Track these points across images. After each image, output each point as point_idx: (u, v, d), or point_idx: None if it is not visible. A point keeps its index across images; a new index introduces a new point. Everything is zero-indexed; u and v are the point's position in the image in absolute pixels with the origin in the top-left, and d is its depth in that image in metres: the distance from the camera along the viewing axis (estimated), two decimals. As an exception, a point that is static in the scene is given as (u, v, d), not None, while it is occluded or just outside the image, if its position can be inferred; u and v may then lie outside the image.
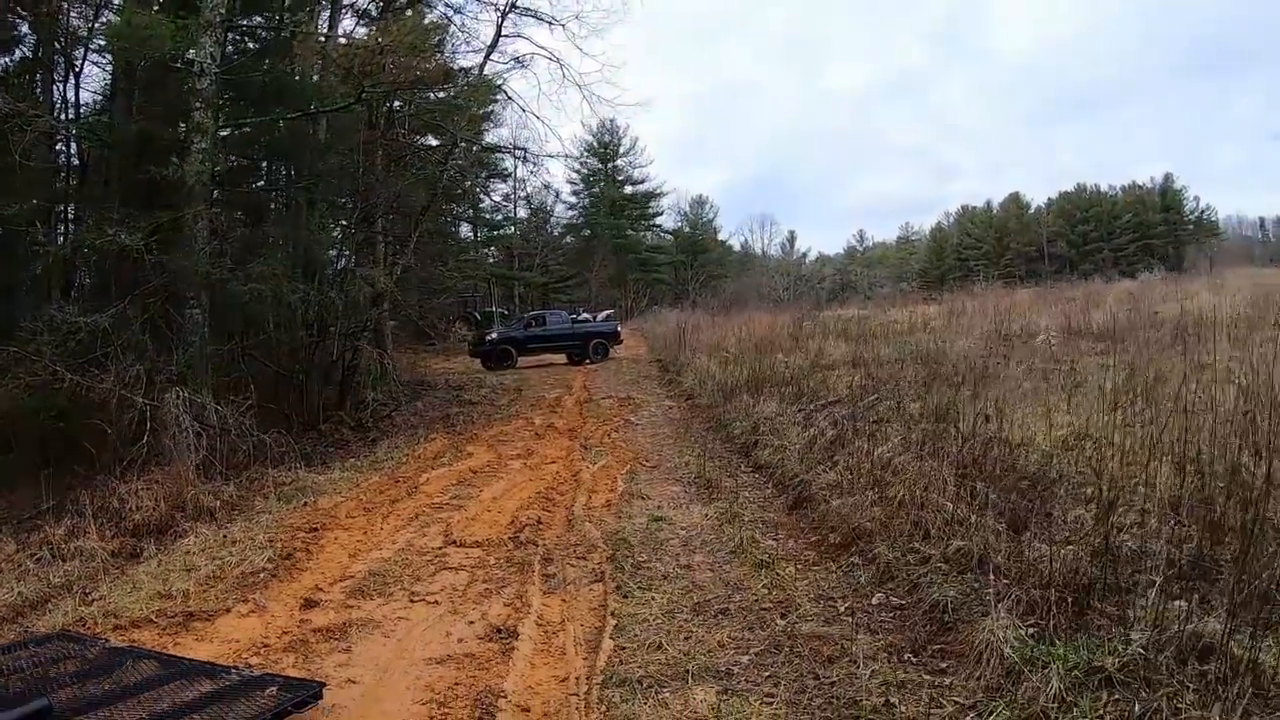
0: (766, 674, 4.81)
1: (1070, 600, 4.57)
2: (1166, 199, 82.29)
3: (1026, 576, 4.96)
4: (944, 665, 4.63)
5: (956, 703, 4.18)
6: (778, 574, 6.58)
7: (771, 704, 4.41)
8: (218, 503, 11.10)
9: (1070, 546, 5.09)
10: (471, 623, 6.22)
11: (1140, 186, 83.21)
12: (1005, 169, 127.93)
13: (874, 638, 5.11)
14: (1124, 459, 6.09)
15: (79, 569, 8.99)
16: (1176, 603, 4.21)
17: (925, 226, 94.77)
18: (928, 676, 4.51)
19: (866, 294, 63.19)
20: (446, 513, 9.94)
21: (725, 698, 4.50)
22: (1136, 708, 3.59)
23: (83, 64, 20.53)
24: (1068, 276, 59.39)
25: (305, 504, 11.01)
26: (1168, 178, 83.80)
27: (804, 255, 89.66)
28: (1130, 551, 4.96)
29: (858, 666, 4.68)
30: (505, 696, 4.89)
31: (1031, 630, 4.43)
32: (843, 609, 5.69)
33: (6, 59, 21.00)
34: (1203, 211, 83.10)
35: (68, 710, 4.22)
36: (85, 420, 14.09)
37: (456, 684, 5.14)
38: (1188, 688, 3.63)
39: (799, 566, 6.78)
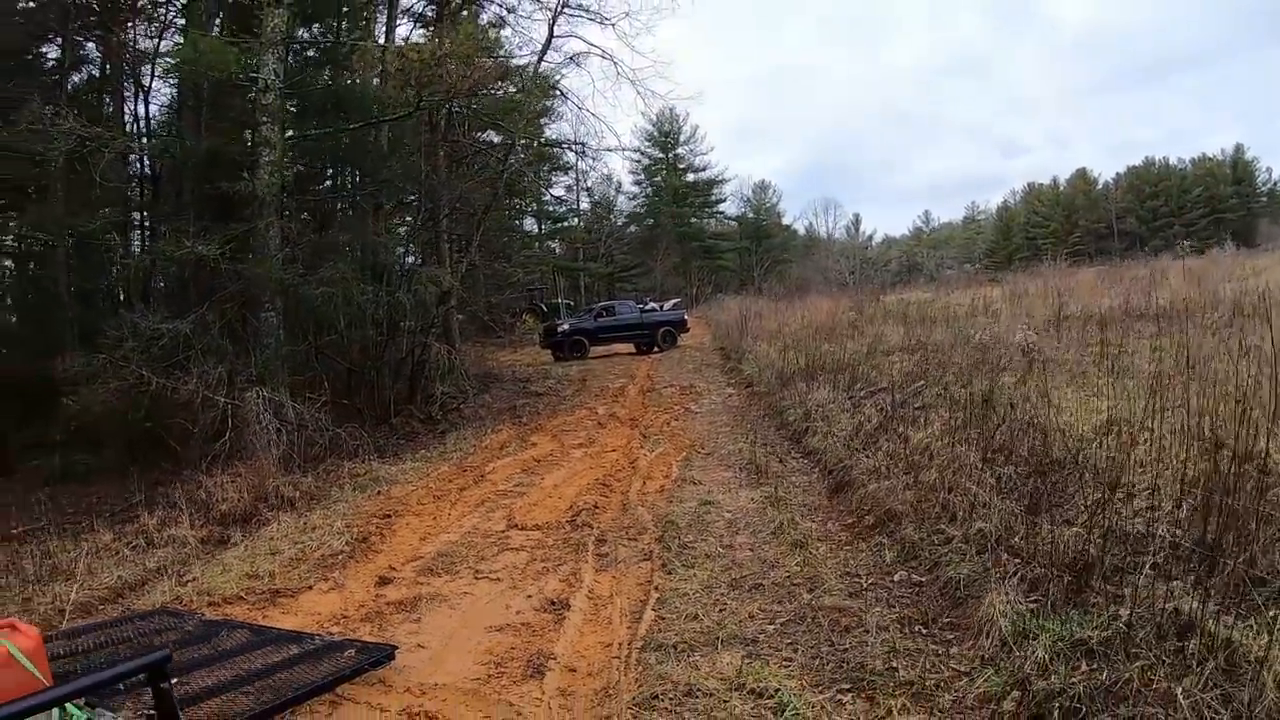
0: (788, 641, 5.29)
1: (1069, 578, 4.89)
2: (1237, 171, 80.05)
3: (1035, 556, 5.30)
4: (950, 636, 5.05)
5: (952, 669, 4.61)
6: (811, 553, 7.00)
7: (788, 667, 4.90)
8: (297, 493, 11.87)
9: (1074, 528, 5.40)
10: (529, 596, 6.82)
11: (1210, 159, 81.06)
12: (1072, 144, 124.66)
13: (890, 610, 5.54)
14: (1152, 443, 6.36)
15: (172, 554, 9.79)
16: (1174, 584, 4.45)
17: (992, 205, 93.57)
18: (933, 646, 4.93)
19: (933, 275, 62.66)
20: (510, 499, 10.52)
21: (748, 661, 4.98)
22: (1106, 675, 3.92)
23: (151, 81, 21.51)
24: (1137, 253, 58.16)
25: (379, 492, 11.72)
26: (1238, 149, 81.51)
27: (869, 238, 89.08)
28: (1138, 534, 5.21)
29: (870, 635, 5.12)
30: (555, 658, 5.48)
31: (1032, 605, 4.81)
32: (865, 584, 6.11)
33: (76, 77, 22.02)
34: (1276, 184, 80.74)
35: (173, 671, 4.84)
36: (169, 420, 15.00)
37: (513, 648, 5.75)
38: (1163, 661, 3.90)
39: (831, 546, 7.20)
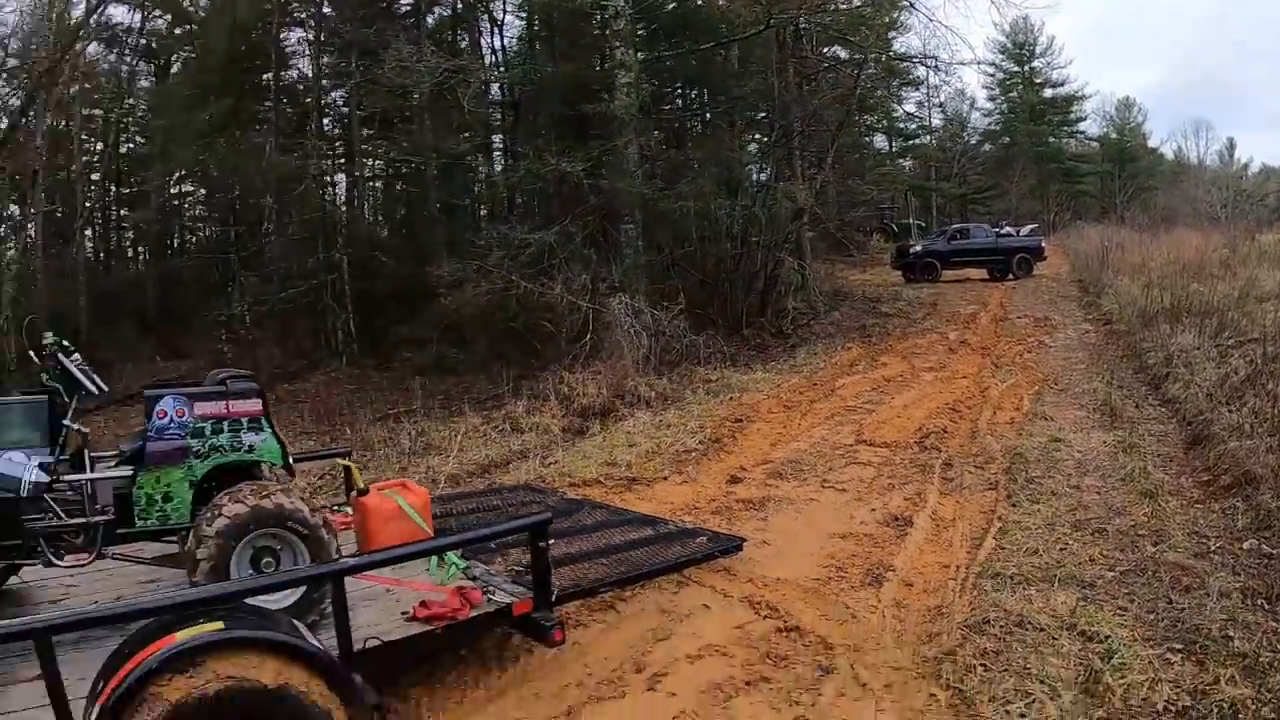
0: (1125, 590, 5.36)
1: None
2: None
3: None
4: (1295, 618, 4.91)
5: (1290, 653, 4.53)
6: (1160, 505, 6.91)
7: (1121, 616, 5.00)
8: (653, 393, 12.86)
9: None
10: (873, 510, 7.29)
11: None
12: None
13: (1234, 578, 5.42)
14: None
15: (535, 440, 11.03)
16: None
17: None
18: (1273, 623, 4.81)
19: (1321, 215, 55.45)
20: (859, 415, 10.99)
21: (1083, 604, 5.12)
22: None
23: (503, 15, 23.19)
24: None
25: (730, 398, 12.45)
26: None
27: (1245, 166, 79.49)
28: None
29: (1210, 599, 5.08)
30: (894, 571, 5.93)
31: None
32: (1213, 547, 5.99)
33: (430, 18, 24.08)
34: None
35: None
36: (533, 321, 16.68)
37: (854, 555, 6.25)
38: None
39: (1182, 502, 7.06)
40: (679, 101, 24.58)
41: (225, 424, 4.85)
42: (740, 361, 15.84)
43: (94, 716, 3.31)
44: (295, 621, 3.97)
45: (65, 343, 4.94)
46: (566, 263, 16.35)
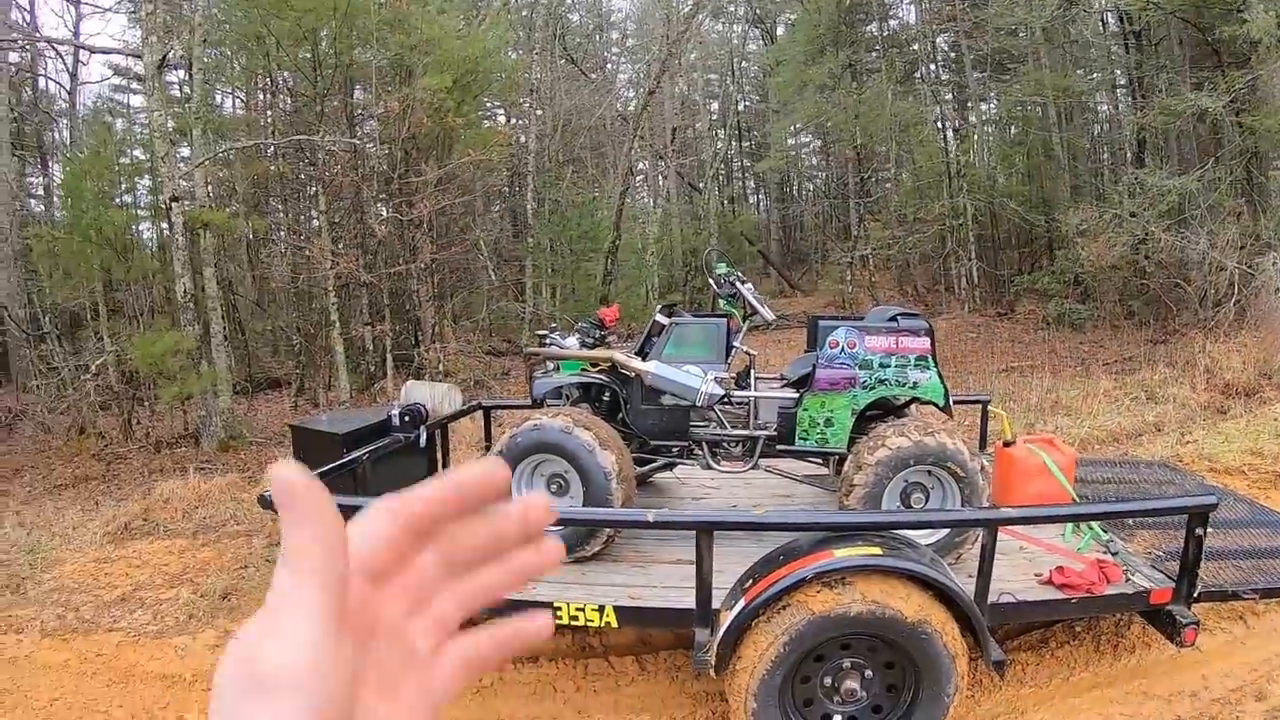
0: None
1: None
2: None
3: None
4: None
5: None
6: None
7: None
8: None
9: None
10: None
11: None
12: None
13: None
14: None
15: (1171, 413, 10.52)
16: None
17: None
18: None
19: None
20: None
21: None
22: None
23: None
24: None
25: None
26: None
27: None
28: None
29: None
30: None
31: None
32: None
33: None
34: None
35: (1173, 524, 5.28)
36: (1166, 279, 15.45)
37: None
38: None
39: None
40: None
41: (893, 359, 5.11)
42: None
43: (738, 606, 3.89)
44: (940, 560, 4.25)
45: (740, 274, 5.67)
46: (1210, 213, 14.78)
